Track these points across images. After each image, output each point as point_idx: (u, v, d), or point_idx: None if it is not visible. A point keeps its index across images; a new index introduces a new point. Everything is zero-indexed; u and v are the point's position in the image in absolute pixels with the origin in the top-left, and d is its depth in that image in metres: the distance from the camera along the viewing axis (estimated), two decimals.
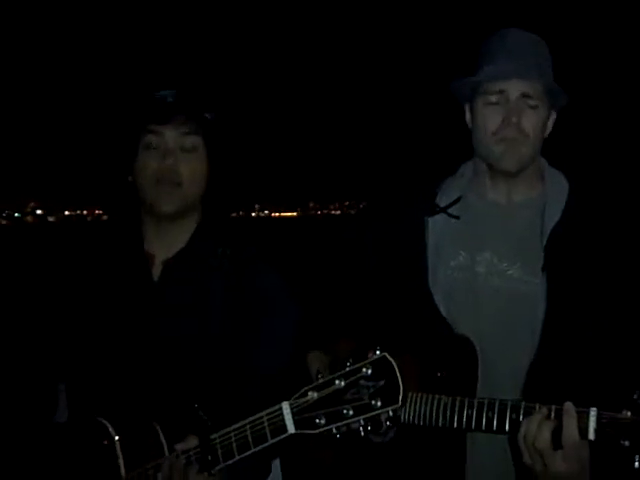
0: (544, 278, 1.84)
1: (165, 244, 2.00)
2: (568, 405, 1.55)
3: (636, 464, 1.43)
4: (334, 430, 1.47)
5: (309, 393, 1.50)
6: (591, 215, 1.90)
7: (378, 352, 1.45)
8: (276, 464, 2.05)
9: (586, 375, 1.75)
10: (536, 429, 1.56)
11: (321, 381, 1.50)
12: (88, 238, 2.15)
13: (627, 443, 1.45)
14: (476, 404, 1.67)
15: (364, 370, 1.44)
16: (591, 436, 1.50)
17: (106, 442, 1.80)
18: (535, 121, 1.89)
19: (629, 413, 1.47)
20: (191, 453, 1.65)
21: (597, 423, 1.50)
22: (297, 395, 1.52)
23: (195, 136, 1.95)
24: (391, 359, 1.43)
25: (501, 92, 1.88)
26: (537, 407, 1.60)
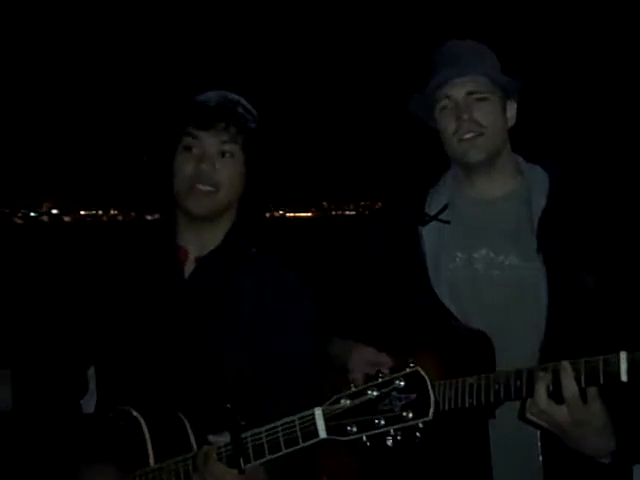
0: (540, 259, 1.96)
1: (199, 241, 2.04)
2: (564, 363, 1.66)
3: None
4: (364, 438, 1.52)
5: (342, 400, 1.55)
6: (574, 195, 2.03)
7: (411, 365, 1.50)
8: None
9: (600, 332, 1.84)
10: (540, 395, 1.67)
11: (354, 390, 1.55)
12: (125, 234, 2.21)
13: None
14: (503, 377, 1.76)
15: (397, 382, 1.49)
16: (624, 377, 1.59)
17: (136, 433, 1.86)
18: (487, 111, 2.02)
19: None
20: (222, 450, 1.70)
21: (628, 364, 1.58)
22: (330, 401, 1.57)
23: (234, 144, 1.98)
24: (424, 373, 1.48)
25: (449, 97, 2.03)
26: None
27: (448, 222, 2.09)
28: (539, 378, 1.68)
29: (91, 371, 2.15)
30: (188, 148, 1.98)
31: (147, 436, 1.85)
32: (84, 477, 1.88)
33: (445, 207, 2.11)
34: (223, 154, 1.98)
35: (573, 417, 1.66)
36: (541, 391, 1.67)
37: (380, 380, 1.52)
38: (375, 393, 1.51)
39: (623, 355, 1.59)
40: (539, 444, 1.86)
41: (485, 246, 2.03)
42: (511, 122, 2.10)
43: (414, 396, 1.48)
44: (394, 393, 1.49)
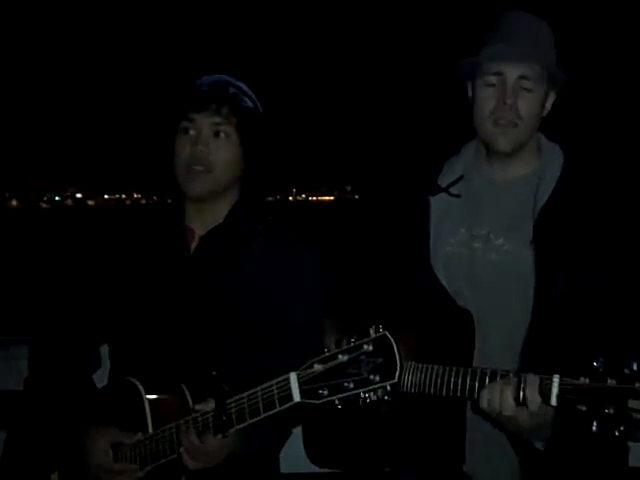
0: (532, 250, 1.93)
1: (204, 220, 2.12)
2: (531, 376, 1.65)
3: (593, 428, 1.51)
4: (336, 401, 1.59)
5: (315, 365, 1.62)
6: (580, 191, 1.97)
7: (380, 330, 1.55)
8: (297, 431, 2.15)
9: (580, 332, 1.83)
10: (499, 396, 1.68)
11: (326, 354, 1.61)
12: (136, 216, 2.30)
13: (584, 408, 1.53)
14: (462, 373, 1.78)
15: (365, 347, 1.55)
16: (553, 402, 1.60)
17: (137, 402, 1.93)
18: (530, 104, 1.98)
19: (587, 380, 1.54)
20: (208, 416, 1.78)
21: (559, 390, 1.58)
22: (304, 366, 1.64)
23: (227, 125, 2.05)
24: (391, 337, 1.54)
25: (499, 74, 1.96)
26: (503, 374, 1.70)
27: (458, 196, 2.08)
28: (485, 386, 1.71)
29: (104, 349, 2.24)
30: (185, 131, 2.06)
31: (146, 405, 1.93)
32: (86, 439, 1.98)
33: (459, 178, 2.09)
34: (217, 134, 2.05)
35: (533, 419, 1.67)
36: (509, 398, 1.67)
37: (351, 345, 1.58)
38: (345, 357, 1.58)
39: (555, 379, 1.59)
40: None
41: (487, 227, 2.02)
42: (545, 112, 2.06)
43: (381, 360, 1.53)
44: (363, 357, 1.56)
